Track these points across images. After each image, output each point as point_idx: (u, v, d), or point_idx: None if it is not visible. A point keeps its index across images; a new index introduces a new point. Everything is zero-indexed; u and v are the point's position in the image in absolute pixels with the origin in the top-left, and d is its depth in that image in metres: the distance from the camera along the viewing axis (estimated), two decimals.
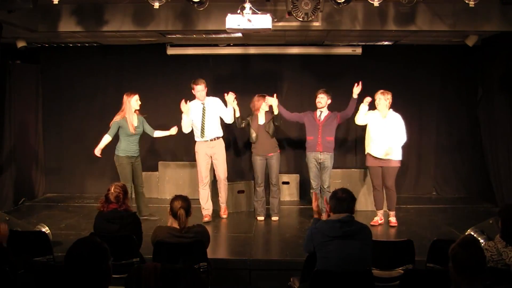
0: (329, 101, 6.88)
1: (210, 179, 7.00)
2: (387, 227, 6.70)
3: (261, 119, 6.88)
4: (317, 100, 6.83)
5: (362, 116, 6.68)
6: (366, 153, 6.76)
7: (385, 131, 6.55)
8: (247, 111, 7.08)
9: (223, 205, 7.12)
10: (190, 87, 6.88)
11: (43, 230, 5.42)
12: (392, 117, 6.60)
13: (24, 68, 8.32)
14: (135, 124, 6.55)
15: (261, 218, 7.03)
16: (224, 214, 7.11)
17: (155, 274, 2.96)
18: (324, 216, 3.96)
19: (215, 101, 6.94)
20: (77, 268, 2.41)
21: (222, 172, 6.95)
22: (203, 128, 6.80)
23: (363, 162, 8.51)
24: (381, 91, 6.61)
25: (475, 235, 5.05)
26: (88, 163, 8.79)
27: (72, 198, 8.42)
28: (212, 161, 6.93)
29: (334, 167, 7.81)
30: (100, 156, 6.64)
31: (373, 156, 6.63)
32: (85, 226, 6.50)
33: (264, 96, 6.87)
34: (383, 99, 6.54)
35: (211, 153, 6.87)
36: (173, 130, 6.90)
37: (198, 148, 6.90)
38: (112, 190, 4.50)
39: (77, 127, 8.78)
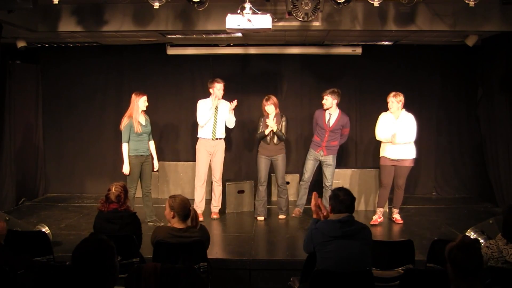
0: (336, 101, 6.79)
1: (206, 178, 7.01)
2: (387, 227, 6.71)
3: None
4: (323, 101, 6.81)
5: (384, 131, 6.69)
6: (380, 156, 6.74)
7: (398, 132, 6.55)
8: (247, 111, 7.08)
9: (216, 208, 7.09)
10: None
11: (43, 230, 5.42)
12: (404, 118, 6.60)
13: (24, 68, 8.32)
14: (143, 123, 6.54)
15: (261, 218, 7.03)
16: (214, 215, 7.08)
17: (155, 274, 2.96)
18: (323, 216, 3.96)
19: (226, 104, 6.99)
20: (84, 266, 2.42)
21: (218, 172, 6.96)
22: (215, 127, 6.86)
23: (364, 162, 8.53)
24: (393, 93, 6.61)
25: (475, 235, 5.07)
26: (88, 163, 8.80)
27: (72, 198, 8.42)
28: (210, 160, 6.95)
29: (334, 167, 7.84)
30: (128, 173, 6.47)
31: (387, 157, 6.63)
32: (85, 226, 6.50)
33: (269, 99, 6.83)
34: (395, 101, 6.55)
35: (212, 151, 6.89)
36: (156, 167, 6.85)
37: (200, 146, 6.92)
38: (113, 189, 4.50)
39: (77, 127, 8.78)
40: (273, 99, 6.87)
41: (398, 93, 6.61)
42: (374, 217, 6.77)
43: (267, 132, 6.77)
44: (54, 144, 8.83)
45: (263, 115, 6.98)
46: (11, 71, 7.79)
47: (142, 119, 6.56)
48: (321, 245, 3.64)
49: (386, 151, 6.66)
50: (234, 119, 6.91)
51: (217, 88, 6.83)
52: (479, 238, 4.85)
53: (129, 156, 6.49)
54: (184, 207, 4.04)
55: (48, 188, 8.81)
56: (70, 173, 8.83)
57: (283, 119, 6.87)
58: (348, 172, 7.72)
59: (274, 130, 6.76)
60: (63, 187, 8.82)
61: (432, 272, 3.89)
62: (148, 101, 6.59)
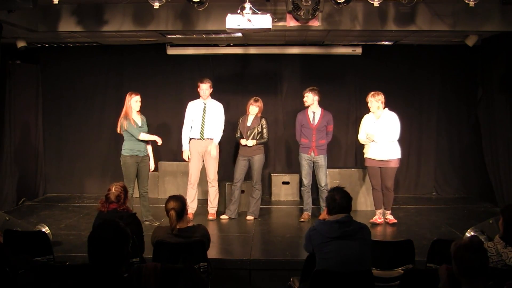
0: (317, 98, 6.84)
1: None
2: (387, 227, 6.69)
3: (250, 121, 6.91)
4: (304, 99, 6.86)
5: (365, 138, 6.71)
6: (365, 157, 6.76)
7: (379, 132, 6.54)
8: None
9: (213, 210, 7.03)
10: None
11: (43, 230, 5.41)
12: (386, 117, 6.58)
13: (24, 68, 8.32)
14: (139, 124, 6.53)
15: (224, 216, 7.02)
16: (210, 216, 7.01)
17: (155, 274, 2.96)
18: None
19: (217, 105, 7.00)
20: (100, 253, 2.47)
21: (211, 173, 6.92)
22: (203, 128, 6.85)
23: (363, 162, 8.53)
24: (372, 93, 6.61)
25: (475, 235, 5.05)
26: (88, 163, 8.80)
27: (72, 198, 8.42)
28: (203, 161, 6.94)
29: (334, 167, 7.83)
30: (160, 140, 6.63)
31: (372, 159, 6.63)
32: (85, 226, 6.50)
33: (258, 101, 6.91)
34: (374, 101, 6.54)
35: (203, 152, 6.88)
36: (152, 167, 6.81)
37: (191, 146, 6.91)
38: (113, 189, 4.49)
39: (77, 127, 8.78)
40: (261, 102, 6.94)
41: (377, 92, 6.59)
42: (374, 218, 6.77)
43: (243, 143, 6.84)
44: (54, 144, 8.83)
45: (243, 114, 7.02)
46: (11, 71, 7.80)
47: (138, 119, 6.54)
48: (320, 246, 3.63)
49: (369, 153, 6.66)
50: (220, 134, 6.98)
51: (201, 89, 6.86)
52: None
53: (124, 156, 6.50)
54: (165, 209, 4.08)
55: (48, 188, 8.81)
56: (70, 173, 8.83)
57: (263, 121, 6.90)
58: (348, 172, 7.72)
59: (250, 145, 6.82)
60: (63, 187, 8.81)
61: (432, 272, 3.88)
62: (141, 100, 6.57)
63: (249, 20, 5.22)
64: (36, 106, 8.62)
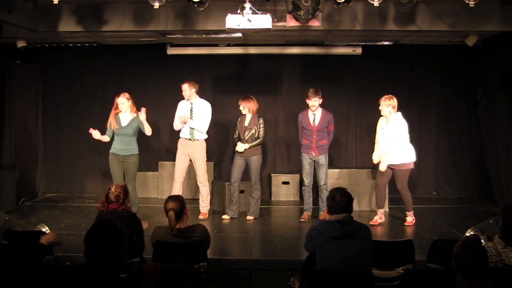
0: (321, 101, 6.82)
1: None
2: (387, 227, 6.70)
3: (247, 121, 6.91)
4: (310, 103, 6.77)
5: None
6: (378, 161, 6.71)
7: (386, 138, 6.54)
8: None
9: (204, 209, 7.02)
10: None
11: (43, 230, 5.43)
12: (394, 122, 6.56)
13: (24, 68, 8.32)
14: (122, 124, 6.50)
15: (226, 217, 7.03)
16: (202, 215, 6.98)
17: (155, 274, 2.96)
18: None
19: (204, 104, 6.97)
20: (96, 253, 2.47)
21: (201, 173, 6.93)
22: (192, 129, 6.86)
23: (364, 162, 8.53)
24: (384, 97, 6.56)
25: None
26: (88, 163, 8.80)
27: (72, 198, 8.42)
28: (190, 161, 6.97)
29: (334, 167, 7.82)
30: (95, 135, 6.52)
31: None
32: (85, 226, 6.49)
33: (251, 98, 6.89)
34: (385, 105, 6.51)
35: (188, 152, 6.89)
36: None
37: (179, 145, 6.95)
38: (112, 189, 4.52)
39: (77, 126, 8.77)
40: (250, 101, 6.87)
41: (389, 96, 6.55)
42: (375, 218, 6.75)
43: (237, 149, 6.86)
44: (54, 144, 8.83)
45: (242, 115, 7.01)
46: (11, 71, 7.80)
47: (125, 119, 6.52)
48: (321, 245, 3.64)
49: (379, 155, 6.64)
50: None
51: (182, 89, 6.84)
52: None
53: (109, 153, 6.54)
54: (164, 209, 4.09)
55: (48, 188, 8.80)
56: (70, 173, 8.83)
57: (260, 121, 6.87)
58: (348, 172, 7.71)
59: (243, 150, 6.83)
60: (63, 187, 8.81)
61: (432, 272, 3.89)
62: (135, 101, 6.60)
63: (249, 20, 5.22)
64: (36, 106, 8.62)
